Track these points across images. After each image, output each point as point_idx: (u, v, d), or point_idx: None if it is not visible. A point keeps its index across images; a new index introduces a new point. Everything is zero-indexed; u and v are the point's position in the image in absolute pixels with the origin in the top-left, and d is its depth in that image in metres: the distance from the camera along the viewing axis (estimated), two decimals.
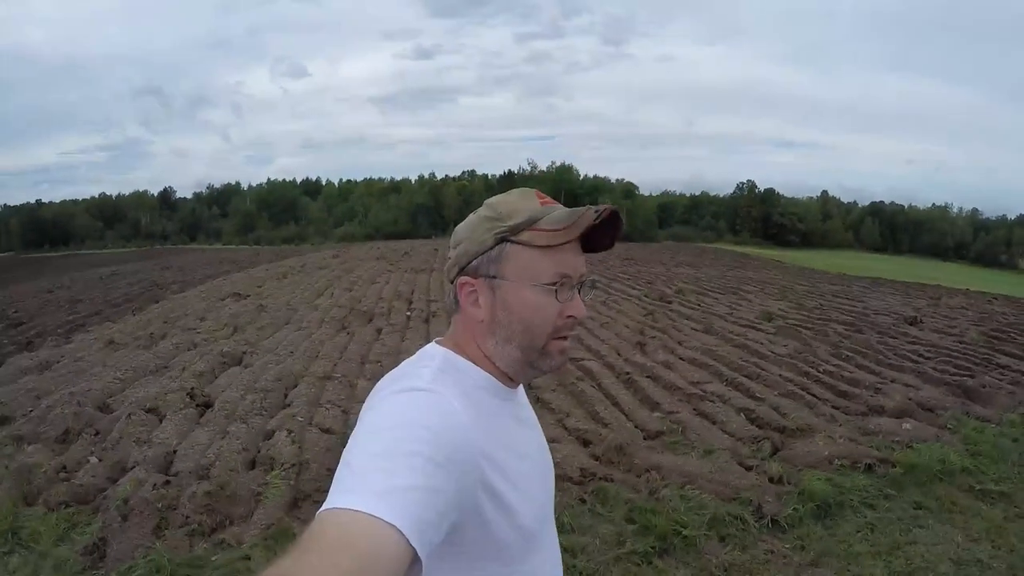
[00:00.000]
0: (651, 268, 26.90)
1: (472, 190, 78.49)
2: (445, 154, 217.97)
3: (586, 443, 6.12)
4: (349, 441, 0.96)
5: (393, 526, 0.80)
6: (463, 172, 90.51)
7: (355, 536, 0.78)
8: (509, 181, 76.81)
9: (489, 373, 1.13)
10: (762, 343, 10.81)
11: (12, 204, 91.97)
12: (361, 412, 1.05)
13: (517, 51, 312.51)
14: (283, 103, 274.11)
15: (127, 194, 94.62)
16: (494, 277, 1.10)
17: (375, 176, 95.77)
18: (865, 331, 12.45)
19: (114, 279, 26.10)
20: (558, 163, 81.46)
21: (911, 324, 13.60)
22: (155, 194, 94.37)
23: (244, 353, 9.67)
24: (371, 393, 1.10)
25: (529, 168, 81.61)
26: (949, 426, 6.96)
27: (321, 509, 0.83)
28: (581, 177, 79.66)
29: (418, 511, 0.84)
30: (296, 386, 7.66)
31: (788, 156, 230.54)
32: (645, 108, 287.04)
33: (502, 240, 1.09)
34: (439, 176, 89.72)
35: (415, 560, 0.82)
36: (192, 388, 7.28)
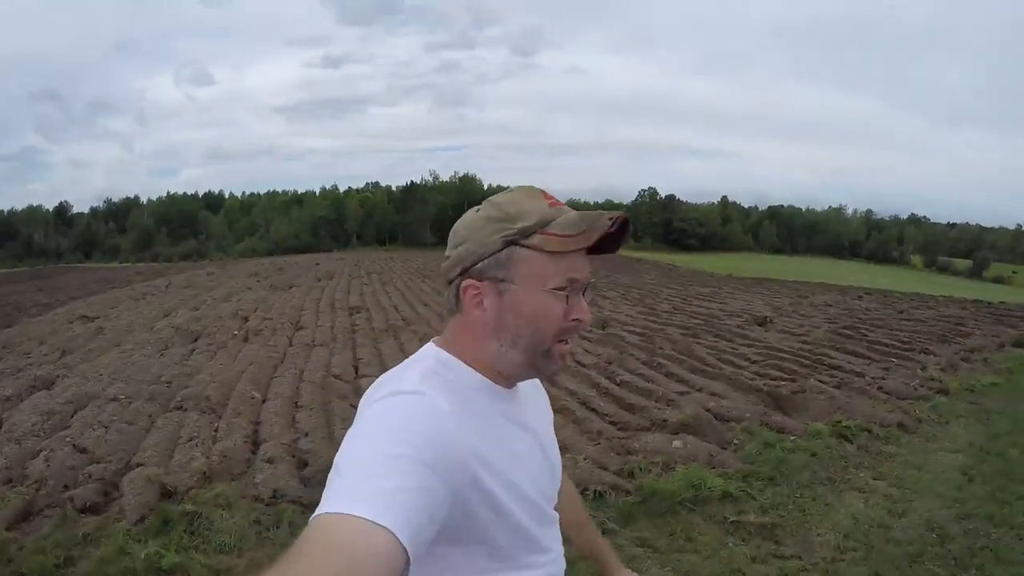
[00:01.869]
0: None
1: (375, 202, 77.44)
2: (354, 165, 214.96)
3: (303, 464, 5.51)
4: (340, 448, 0.93)
5: (385, 528, 0.78)
6: (366, 184, 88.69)
7: (348, 540, 0.77)
8: (411, 192, 75.76)
9: (481, 374, 1.09)
10: (573, 352, 9.64)
11: None
12: (355, 418, 1.02)
13: (427, 61, 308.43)
14: (188, 111, 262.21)
15: (20, 209, 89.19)
16: (502, 280, 1.04)
17: (282, 188, 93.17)
18: (701, 335, 11.67)
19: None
20: (461, 173, 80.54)
21: (760, 325, 12.92)
22: (50, 209, 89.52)
23: (58, 377, 9.13)
24: (362, 398, 1.06)
25: (431, 179, 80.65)
26: (735, 441, 6.06)
27: (313, 515, 0.81)
28: (485, 187, 78.70)
29: (409, 512, 0.82)
30: (84, 407, 7.27)
31: (694, 163, 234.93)
32: (555, 118, 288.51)
33: (511, 243, 1.03)
34: (343, 188, 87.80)
35: (407, 561, 0.80)
36: None
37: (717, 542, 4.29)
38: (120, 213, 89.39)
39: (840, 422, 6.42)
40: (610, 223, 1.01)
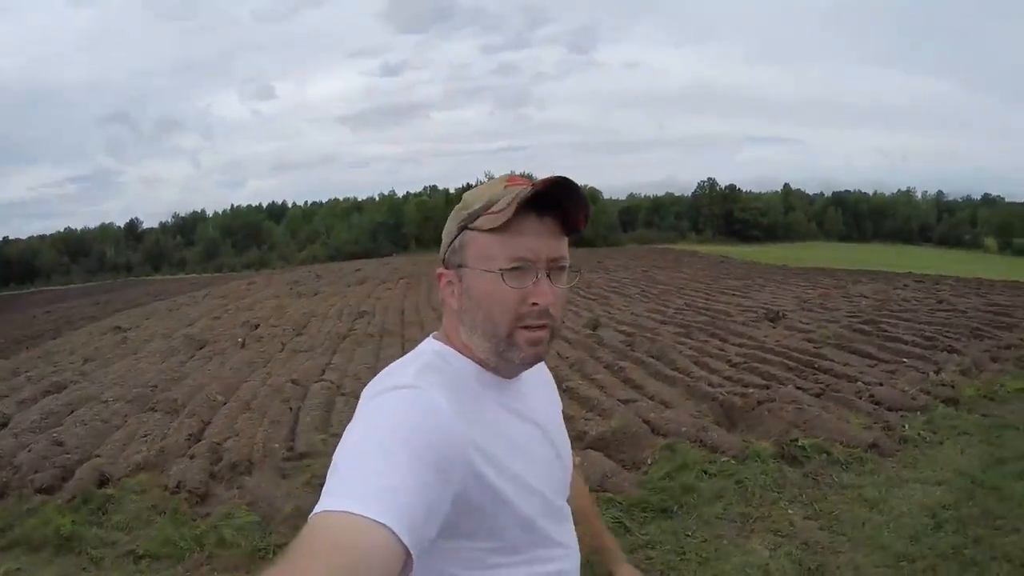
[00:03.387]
0: None
1: (432, 205, 77.44)
2: (418, 170, 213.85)
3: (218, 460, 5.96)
4: (339, 444, 0.93)
5: (384, 525, 0.78)
6: (424, 187, 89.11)
7: (347, 538, 0.77)
8: None
9: (477, 364, 1.08)
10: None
11: None
12: (354, 414, 1.00)
13: (485, 63, 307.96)
14: (252, 125, 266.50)
15: (93, 227, 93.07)
16: (460, 266, 1.07)
17: (345, 196, 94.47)
18: (695, 335, 10.68)
19: (45, 316, 26.49)
20: (518, 173, 79.80)
21: (771, 321, 11.72)
22: (121, 226, 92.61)
23: (72, 382, 10.13)
24: (362, 394, 1.05)
25: (487, 180, 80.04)
26: (649, 460, 5.26)
27: (312, 513, 0.81)
28: None
29: (408, 509, 0.82)
30: (80, 408, 8.05)
31: (757, 152, 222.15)
32: (615, 113, 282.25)
33: (463, 228, 1.06)
34: (402, 193, 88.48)
35: (408, 558, 0.81)
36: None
37: None
38: (187, 227, 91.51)
39: (796, 440, 5.41)
40: (530, 189, 0.99)
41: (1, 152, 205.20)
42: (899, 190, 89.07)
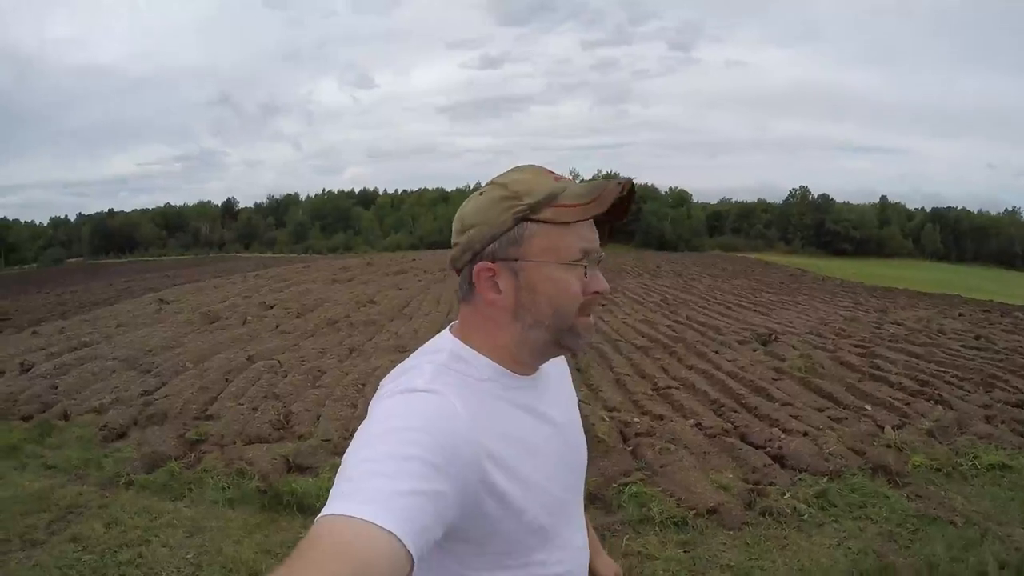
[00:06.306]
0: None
1: None
2: (513, 163, 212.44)
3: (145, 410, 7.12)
4: (350, 444, 0.90)
5: (391, 532, 0.76)
6: None
7: (352, 543, 0.75)
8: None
9: (499, 363, 1.04)
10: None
11: (87, 213, 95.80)
12: (368, 413, 0.99)
13: (584, 58, 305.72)
14: (350, 113, 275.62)
15: (192, 204, 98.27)
16: (516, 259, 1.01)
17: (436, 186, 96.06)
18: (653, 351, 9.76)
19: (124, 283, 27.50)
20: (604, 171, 78.53)
21: (762, 344, 10.61)
22: (218, 204, 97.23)
23: (95, 343, 11.30)
24: (377, 390, 1.03)
25: (572, 178, 79.46)
26: None
27: (319, 516, 0.79)
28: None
29: (416, 516, 0.80)
30: (86, 363, 9.28)
31: (856, 161, 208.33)
32: (713, 114, 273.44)
33: (522, 219, 1.00)
34: None
35: (412, 564, 0.79)
36: (23, 361, 9.43)
37: None
38: (280, 208, 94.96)
39: (625, 487, 4.64)
40: (619, 187, 0.99)
41: (113, 131, 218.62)
42: (1005, 210, 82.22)
